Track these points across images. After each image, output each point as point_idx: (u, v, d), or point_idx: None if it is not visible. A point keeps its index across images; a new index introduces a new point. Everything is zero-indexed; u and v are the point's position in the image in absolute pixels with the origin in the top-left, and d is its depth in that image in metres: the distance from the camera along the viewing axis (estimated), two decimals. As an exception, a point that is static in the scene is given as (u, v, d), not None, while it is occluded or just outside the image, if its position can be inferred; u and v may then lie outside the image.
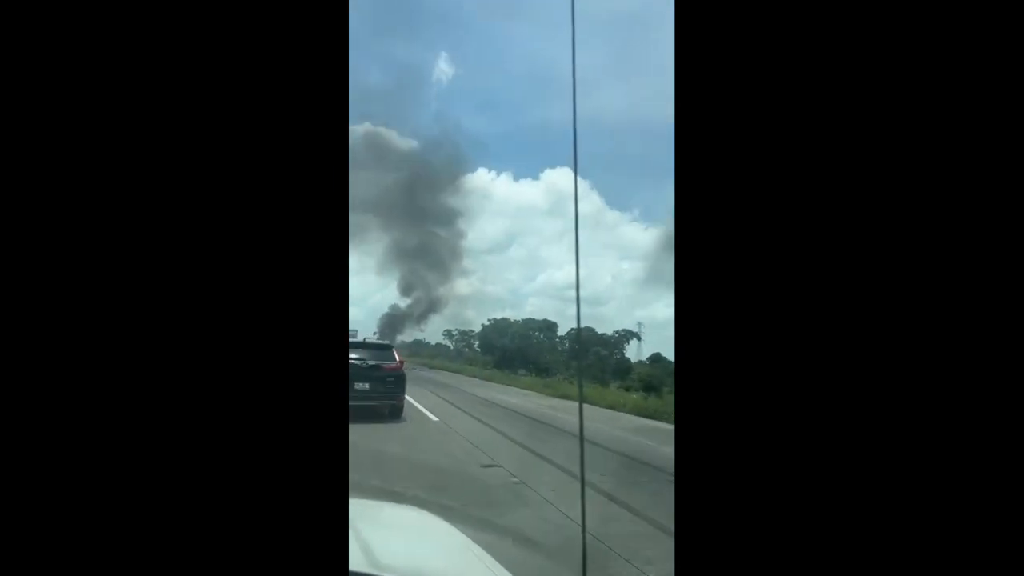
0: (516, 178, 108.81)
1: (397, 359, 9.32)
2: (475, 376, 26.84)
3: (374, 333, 50.22)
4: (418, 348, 61.60)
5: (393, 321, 56.17)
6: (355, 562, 0.86)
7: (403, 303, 58.37)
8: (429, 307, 56.68)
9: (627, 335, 50.93)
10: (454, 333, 64.47)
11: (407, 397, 9.43)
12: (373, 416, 8.39)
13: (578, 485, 4.56)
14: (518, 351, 44.79)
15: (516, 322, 55.09)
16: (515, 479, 5.37)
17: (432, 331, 79.02)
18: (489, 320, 57.21)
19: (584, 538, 2.33)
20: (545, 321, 52.82)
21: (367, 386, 8.41)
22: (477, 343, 57.67)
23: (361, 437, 6.83)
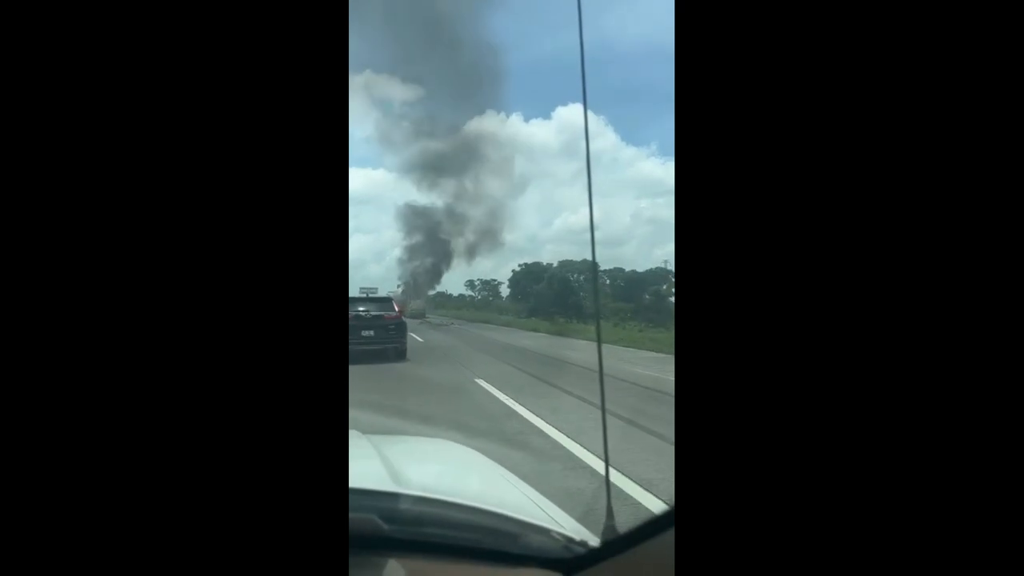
0: (526, 119, 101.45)
1: (396, 310, 11.51)
2: (536, 330, 21.21)
3: (398, 286, 44.46)
4: (443, 300, 57.56)
5: (427, 244, 46.53)
6: (381, 484, 0.96)
7: (436, 203, 47.84)
8: (481, 236, 47.67)
9: (663, 273, 45.12)
10: (476, 283, 60.09)
11: (509, 402, 7.16)
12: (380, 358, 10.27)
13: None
14: (556, 296, 39.63)
15: (550, 265, 49.49)
16: None
17: (452, 283, 74.33)
18: (520, 265, 51.74)
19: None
20: (584, 262, 47.02)
21: (372, 333, 10.76)
22: (507, 291, 52.66)
23: None
